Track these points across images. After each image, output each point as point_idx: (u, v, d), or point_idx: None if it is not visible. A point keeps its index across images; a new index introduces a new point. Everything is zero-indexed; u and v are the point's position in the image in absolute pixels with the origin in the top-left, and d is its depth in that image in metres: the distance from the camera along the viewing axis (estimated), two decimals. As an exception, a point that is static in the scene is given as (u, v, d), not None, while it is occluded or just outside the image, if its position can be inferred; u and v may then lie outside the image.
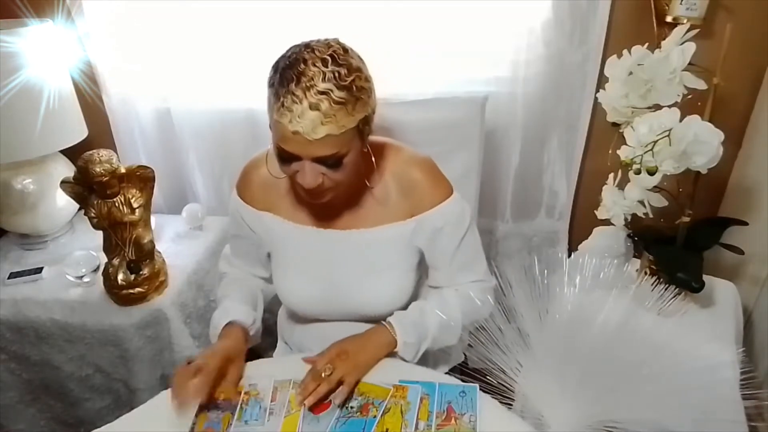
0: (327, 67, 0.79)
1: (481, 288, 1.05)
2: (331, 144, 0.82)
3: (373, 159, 0.96)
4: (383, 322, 1.00)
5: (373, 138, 0.98)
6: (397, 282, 1.05)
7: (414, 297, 1.08)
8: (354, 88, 0.81)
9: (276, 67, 0.83)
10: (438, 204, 1.00)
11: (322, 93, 0.78)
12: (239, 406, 0.91)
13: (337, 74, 0.79)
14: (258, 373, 0.98)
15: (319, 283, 1.04)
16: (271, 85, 0.83)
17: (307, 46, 0.82)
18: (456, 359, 1.19)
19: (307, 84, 0.78)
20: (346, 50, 0.83)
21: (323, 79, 0.78)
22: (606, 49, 1.41)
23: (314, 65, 0.79)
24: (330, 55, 0.80)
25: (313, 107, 0.78)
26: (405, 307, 1.04)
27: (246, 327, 1.03)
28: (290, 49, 0.83)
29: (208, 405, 0.91)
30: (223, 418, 0.89)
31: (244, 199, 1.05)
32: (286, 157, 0.86)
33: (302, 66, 0.79)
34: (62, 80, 1.43)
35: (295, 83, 0.78)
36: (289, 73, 0.79)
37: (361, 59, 0.86)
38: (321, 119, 0.79)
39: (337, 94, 0.79)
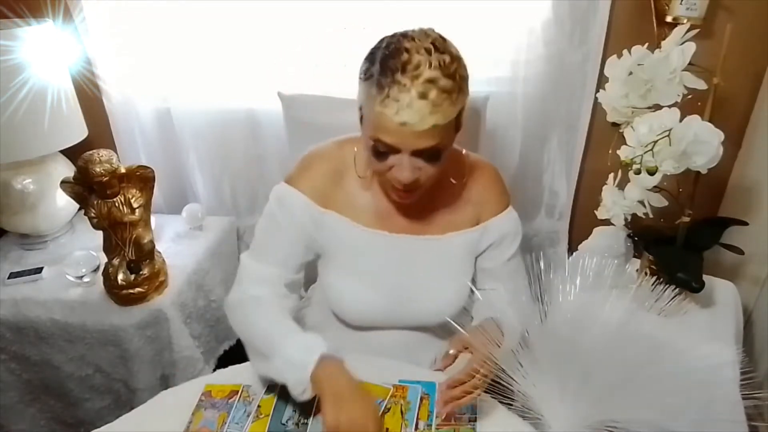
0: (431, 55, 0.76)
1: (524, 303, 0.98)
2: (436, 135, 0.80)
3: (464, 152, 0.96)
4: (486, 319, 0.92)
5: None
6: (459, 289, 1.01)
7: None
8: (457, 76, 0.79)
9: (372, 59, 0.80)
10: (502, 211, 1.00)
11: (429, 81, 0.76)
12: (234, 405, 0.91)
13: (442, 62, 0.77)
14: (256, 373, 0.98)
15: (385, 290, 0.99)
16: (368, 77, 0.80)
17: (405, 36, 0.80)
18: None
19: (414, 73, 0.75)
20: (444, 39, 0.82)
21: (429, 67, 0.76)
22: (606, 49, 1.41)
23: (418, 53, 0.76)
24: (432, 44, 0.78)
25: (422, 96, 0.76)
26: (456, 317, 1.00)
27: (337, 357, 0.87)
28: (383, 40, 0.81)
29: (205, 403, 0.91)
30: (218, 417, 0.89)
31: (301, 190, 0.96)
32: (383, 152, 0.83)
33: (406, 55, 0.76)
34: (62, 80, 1.43)
35: (400, 72, 0.76)
36: (392, 62, 0.77)
37: (457, 48, 0.83)
38: (429, 108, 0.76)
39: (444, 82, 0.76)
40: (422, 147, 0.81)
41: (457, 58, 0.80)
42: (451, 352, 0.85)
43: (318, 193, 0.97)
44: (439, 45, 0.78)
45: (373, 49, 0.82)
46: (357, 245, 0.99)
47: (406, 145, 0.81)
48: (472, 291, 1.03)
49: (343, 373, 0.83)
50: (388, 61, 0.77)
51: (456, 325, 0.89)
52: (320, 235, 0.99)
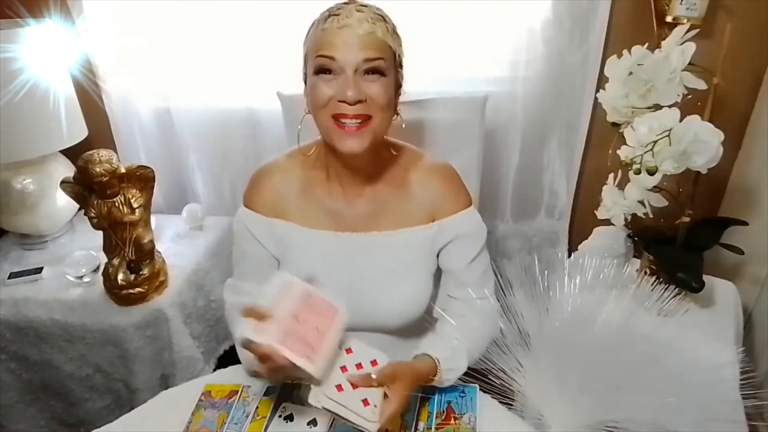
0: (366, 6, 0.89)
1: (492, 307, 0.99)
2: (375, 45, 0.86)
3: (422, 153, 1.02)
4: (426, 354, 0.91)
5: (397, 141, 1.01)
6: (418, 289, 1.02)
7: (428, 308, 1.04)
8: (386, 18, 0.90)
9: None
10: (460, 210, 1.00)
11: (363, 6, 0.88)
12: (233, 405, 0.91)
13: (374, 9, 0.90)
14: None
15: (337, 290, 0.96)
16: (313, 25, 0.90)
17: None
18: None
19: (351, 3, 0.89)
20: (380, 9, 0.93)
21: (362, 6, 0.88)
22: (606, 49, 1.41)
23: (354, 2, 0.90)
24: (367, 4, 0.90)
25: (358, 11, 0.86)
26: (418, 318, 1.01)
27: None
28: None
29: (205, 403, 0.91)
30: (218, 417, 0.89)
31: (251, 208, 1.01)
32: (327, 70, 0.87)
33: (343, 5, 0.89)
34: (62, 80, 1.43)
35: (337, 7, 0.88)
36: (332, 7, 0.89)
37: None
38: (367, 18, 0.86)
39: (376, 11, 0.89)
40: (363, 57, 0.86)
41: (389, 18, 0.92)
42: (374, 376, 0.82)
43: (264, 205, 1.01)
44: (373, 6, 0.91)
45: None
46: (304, 248, 1.01)
47: (347, 52, 0.86)
48: (435, 289, 1.05)
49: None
50: (329, 9, 0.90)
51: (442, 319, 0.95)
52: (273, 246, 1.02)
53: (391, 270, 1.00)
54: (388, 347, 1.00)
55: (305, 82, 0.94)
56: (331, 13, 0.87)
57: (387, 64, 0.88)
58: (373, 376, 0.81)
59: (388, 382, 0.81)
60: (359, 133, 0.89)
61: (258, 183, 1.02)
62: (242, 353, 0.91)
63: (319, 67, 0.87)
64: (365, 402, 0.78)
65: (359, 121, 0.87)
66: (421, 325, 1.03)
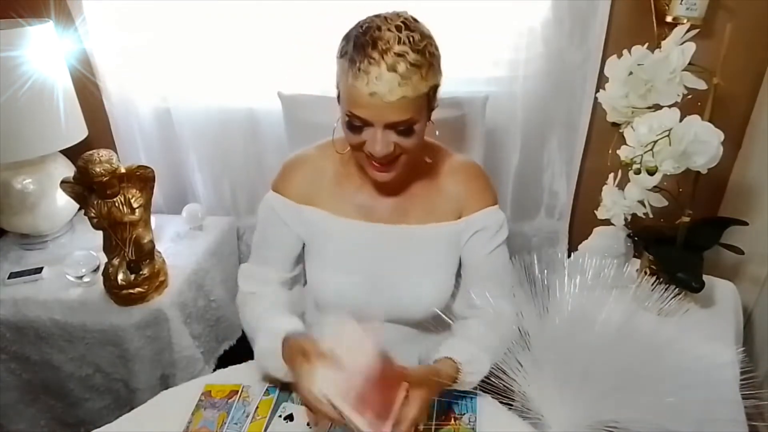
0: (401, 32, 0.81)
1: (512, 309, 0.95)
2: (406, 108, 0.84)
3: (432, 121, 0.96)
4: (448, 357, 0.90)
5: (429, 141, 1.00)
6: (442, 283, 1.03)
7: (448, 305, 1.04)
8: (426, 53, 0.83)
9: (348, 37, 0.85)
10: (485, 207, 1.01)
11: (398, 55, 0.80)
12: (233, 405, 0.91)
13: (411, 38, 0.81)
14: (256, 373, 0.98)
15: (362, 279, 1.01)
16: (343, 54, 0.85)
17: (378, 16, 0.85)
18: None
19: (384, 47, 0.80)
20: (416, 19, 0.86)
21: (399, 42, 0.81)
22: (606, 49, 1.41)
23: (389, 30, 0.81)
24: (402, 23, 0.83)
25: (390, 68, 0.80)
26: (441, 310, 1.00)
27: (301, 332, 0.92)
28: (360, 21, 0.86)
29: (205, 403, 0.91)
30: (218, 417, 0.89)
31: (282, 193, 1.02)
32: (357, 125, 0.87)
33: (377, 32, 0.81)
34: (62, 80, 1.43)
35: (371, 47, 0.80)
36: (364, 38, 0.82)
37: (429, 30, 0.88)
38: (398, 80, 0.81)
39: (412, 56, 0.81)
40: (393, 120, 0.84)
41: (427, 36, 0.85)
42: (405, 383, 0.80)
43: (294, 191, 1.02)
44: (409, 24, 0.84)
45: (350, 29, 0.87)
46: (333, 235, 1.02)
47: (377, 117, 0.84)
48: (455, 288, 1.05)
49: (306, 344, 0.84)
50: (360, 38, 0.82)
51: (445, 317, 0.93)
52: (302, 231, 1.03)
53: (417, 263, 1.01)
54: (407, 339, 1.01)
55: (337, 88, 0.92)
56: (359, 66, 0.81)
57: (419, 114, 0.87)
58: (405, 383, 0.79)
59: (416, 387, 0.80)
60: (391, 167, 0.91)
61: (290, 171, 1.03)
62: (262, 363, 0.93)
63: (349, 120, 0.87)
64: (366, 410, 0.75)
65: (390, 159, 0.89)
66: (442, 319, 1.03)
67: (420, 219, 1.01)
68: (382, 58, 0.80)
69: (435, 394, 0.85)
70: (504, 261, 1.04)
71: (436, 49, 0.87)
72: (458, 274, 1.06)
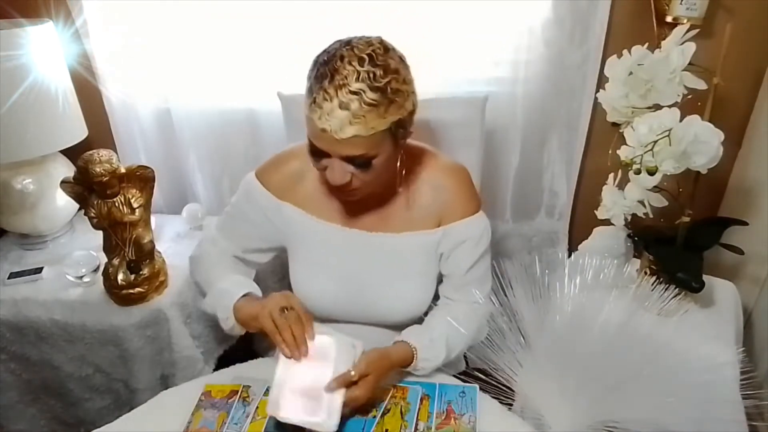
0: (363, 66, 0.78)
1: (483, 312, 0.99)
2: (359, 145, 0.81)
3: (401, 165, 0.94)
4: (405, 341, 0.95)
5: (410, 142, 0.97)
6: (420, 290, 1.04)
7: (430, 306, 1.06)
8: (389, 90, 0.80)
9: (315, 61, 0.83)
10: (467, 216, 1.00)
11: (353, 93, 0.77)
12: (233, 405, 0.91)
13: (372, 75, 0.78)
14: (256, 373, 0.98)
15: (342, 283, 1.02)
16: (308, 78, 0.82)
17: (348, 44, 0.81)
18: (459, 368, 1.16)
19: (340, 82, 0.77)
20: (387, 50, 0.82)
21: (357, 79, 0.77)
22: (606, 49, 1.41)
23: (350, 64, 0.78)
24: (368, 54, 0.79)
25: (343, 107, 0.77)
26: (422, 316, 1.03)
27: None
28: (332, 44, 0.83)
29: (205, 403, 0.91)
30: (218, 417, 0.89)
31: (263, 184, 1.02)
32: (316, 152, 0.86)
33: (338, 63, 0.78)
34: (62, 80, 1.43)
35: (328, 80, 0.78)
36: (324, 69, 0.79)
37: (402, 60, 0.84)
38: (350, 119, 0.78)
39: (369, 95, 0.78)
40: (346, 155, 0.83)
41: (393, 71, 0.81)
42: (353, 373, 0.85)
43: (277, 186, 1.02)
44: (376, 57, 0.79)
45: (321, 51, 0.84)
46: (313, 237, 1.02)
47: (331, 150, 0.84)
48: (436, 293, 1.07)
49: (263, 305, 0.90)
50: (322, 67, 0.80)
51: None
52: (280, 226, 1.04)
53: (393, 271, 1.01)
54: (387, 342, 1.01)
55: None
56: (315, 98, 0.79)
57: (377, 150, 0.84)
58: (353, 373, 0.85)
59: (364, 375, 0.86)
60: (352, 194, 0.91)
61: (277, 163, 1.03)
62: (213, 303, 1.00)
63: (310, 146, 0.87)
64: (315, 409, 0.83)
65: (348, 188, 0.89)
66: (422, 322, 1.04)
67: (398, 227, 1.01)
68: (336, 94, 0.77)
69: (384, 376, 0.90)
70: (485, 269, 1.05)
71: (405, 83, 0.83)
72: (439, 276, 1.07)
